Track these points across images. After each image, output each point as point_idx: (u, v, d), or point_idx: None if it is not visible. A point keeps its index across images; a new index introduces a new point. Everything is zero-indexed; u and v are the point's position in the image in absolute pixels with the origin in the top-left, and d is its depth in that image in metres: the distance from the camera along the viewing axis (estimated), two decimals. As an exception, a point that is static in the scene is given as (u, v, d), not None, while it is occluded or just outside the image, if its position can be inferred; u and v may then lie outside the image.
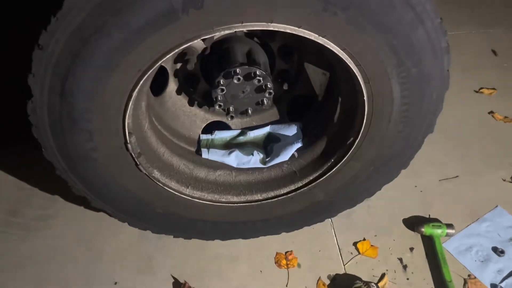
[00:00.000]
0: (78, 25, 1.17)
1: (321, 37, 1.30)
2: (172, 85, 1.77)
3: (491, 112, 2.58)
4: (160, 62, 1.29)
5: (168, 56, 1.28)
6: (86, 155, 1.46)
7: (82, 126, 1.37)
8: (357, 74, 1.40)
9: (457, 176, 2.25)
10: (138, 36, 1.19)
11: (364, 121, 1.54)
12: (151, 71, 1.30)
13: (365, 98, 1.47)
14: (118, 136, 1.44)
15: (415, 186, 2.20)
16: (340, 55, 1.34)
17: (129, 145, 1.47)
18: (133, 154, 1.50)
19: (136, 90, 1.34)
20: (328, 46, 1.32)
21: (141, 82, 1.32)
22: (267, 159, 1.82)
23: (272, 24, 1.25)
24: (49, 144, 1.43)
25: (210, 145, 1.86)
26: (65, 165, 1.51)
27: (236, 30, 1.24)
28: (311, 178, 1.75)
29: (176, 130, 1.82)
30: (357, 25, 1.27)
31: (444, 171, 2.27)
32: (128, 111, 1.38)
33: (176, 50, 1.26)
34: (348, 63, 1.37)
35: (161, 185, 1.64)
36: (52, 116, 1.35)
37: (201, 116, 1.88)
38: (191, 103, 1.84)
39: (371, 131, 1.58)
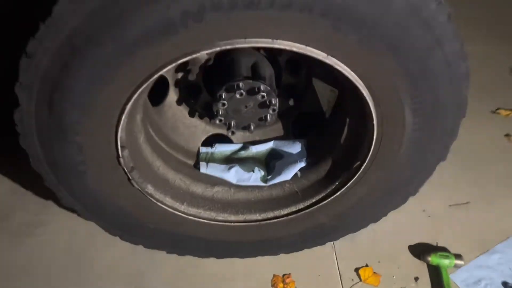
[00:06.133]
0: (68, 33, 1.09)
1: (329, 57, 1.21)
2: (173, 95, 1.69)
3: (507, 135, 2.46)
4: (156, 75, 1.21)
5: (165, 70, 1.20)
6: (76, 168, 1.39)
7: (71, 138, 1.30)
8: (367, 97, 1.31)
9: (468, 202, 2.14)
10: (132, 48, 1.11)
11: (373, 145, 1.45)
12: (146, 84, 1.22)
13: (375, 122, 1.38)
14: (110, 150, 1.37)
15: (423, 211, 2.10)
16: (349, 76, 1.25)
17: (121, 159, 1.39)
18: (125, 169, 1.43)
19: (130, 103, 1.26)
20: (337, 67, 1.23)
21: (135, 96, 1.24)
22: (268, 177, 1.74)
23: (278, 41, 1.16)
24: (36, 154, 1.36)
25: (210, 159, 1.78)
26: (53, 177, 1.44)
27: (238, 46, 1.15)
28: (313, 200, 1.66)
29: (175, 142, 1.74)
30: (370, 47, 1.17)
31: (455, 196, 2.16)
32: (121, 125, 1.30)
33: (174, 64, 1.18)
34: (358, 85, 1.28)
35: (154, 200, 1.56)
36: (40, 127, 1.28)
37: (201, 128, 1.80)
38: (191, 114, 1.76)
39: (379, 156, 1.48)
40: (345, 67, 1.23)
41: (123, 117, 1.28)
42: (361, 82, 1.27)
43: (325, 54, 1.20)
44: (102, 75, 1.16)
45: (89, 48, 1.10)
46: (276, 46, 1.16)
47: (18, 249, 1.91)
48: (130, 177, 1.45)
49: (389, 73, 1.23)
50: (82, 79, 1.16)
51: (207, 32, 1.11)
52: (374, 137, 1.42)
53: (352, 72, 1.25)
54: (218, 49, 1.16)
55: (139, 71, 1.18)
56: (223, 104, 1.48)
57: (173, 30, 1.09)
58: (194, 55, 1.17)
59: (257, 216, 1.70)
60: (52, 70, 1.15)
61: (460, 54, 1.24)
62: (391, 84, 1.26)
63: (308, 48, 1.18)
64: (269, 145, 1.81)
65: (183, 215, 1.63)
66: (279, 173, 1.72)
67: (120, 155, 1.38)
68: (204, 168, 1.73)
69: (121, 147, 1.37)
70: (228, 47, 1.16)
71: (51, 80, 1.17)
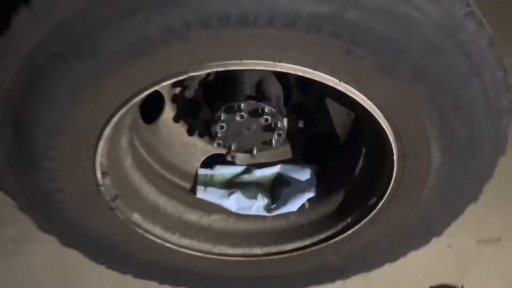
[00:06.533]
0: (30, 50, 0.92)
1: (342, 83, 1.01)
2: (169, 111, 1.52)
3: (546, 162, 2.20)
4: (138, 98, 1.04)
5: (148, 92, 1.03)
6: (50, 196, 1.23)
7: (42, 164, 1.14)
8: (386, 130, 1.11)
9: (499, 239, 1.91)
10: (104, 68, 0.94)
11: (392, 182, 1.25)
12: (126, 107, 1.05)
13: (395, 157, 1.18)
14: (88, 177, 1.20)
15: (448, 247, 1.87)
16: (366, 106, 1.05)
17: (101, 188, 1.23)
18: (107, 198, 1.26)
19: (109, 127, 1.09)
20: (351, 95, 1.03)
21: (114, 119, 1.07)
22: (272, 206, 1.55)
23: (280, 64, 0.97)
24: (6, 179, 1.20)
25: (209, 183, 1.60)
26: (28, 204, 1.29)
27: (233, 68, 0.97)
28: (322, 236, 1.47)
29: (170, 163, 1.57)
30: (392, 73, 0.97)
31: (484, 231, 1.93)
32: (99, 150, 1.14)
33: (157, 87, 1.01)
34: (376, 117, 1.07)
35: (141, 231, 1.39)
36: (7, 150, 1.12)
37: (201, 148, 1.62)
38: (190, 132, 1.58)
39: (399, 195, 1.28)
40: (361, 95, 1.03)
41: (101, 143, 1.12)
42: (379, 113, 1.07)
43: (337, 80, 1.01)
44: (71, 96, 0.99)
45: (54, 67, 0.94)
46: (278, 69, 0.98)
47: (6, 267, 1.79)
48: (113, 206, 1.29)
49: (414, 105, 1.03)
50: (48, 100, 1.00)
51: (194, 52, 0.93)
52: (394, 172, 1.23)
53: (369, 101, 1.05)
54: (208, 70, 0.97)
55: (116, 93, 1.01)
56: (222, 127, 1.31)
57: (153, 49, 0.91)
58: (181, 77, 0.98)
59: (257, 251, 1.52)
60: (15, 90, 0.99)
61: (501, 84, 1.03)
62: (416, 117, 1.06)
63: (317, 72, 0.99)
64: (275, 169, 1.63)
65: (175, 247, 1.46)
66: (284, 203, 1.53)
67: (101, 183, 1.22)
68: (201, 193, 1.56)
69: (101, 174, 1.20)
70: (221, 69, 0.97)
71: (15, 101, 1.01)
